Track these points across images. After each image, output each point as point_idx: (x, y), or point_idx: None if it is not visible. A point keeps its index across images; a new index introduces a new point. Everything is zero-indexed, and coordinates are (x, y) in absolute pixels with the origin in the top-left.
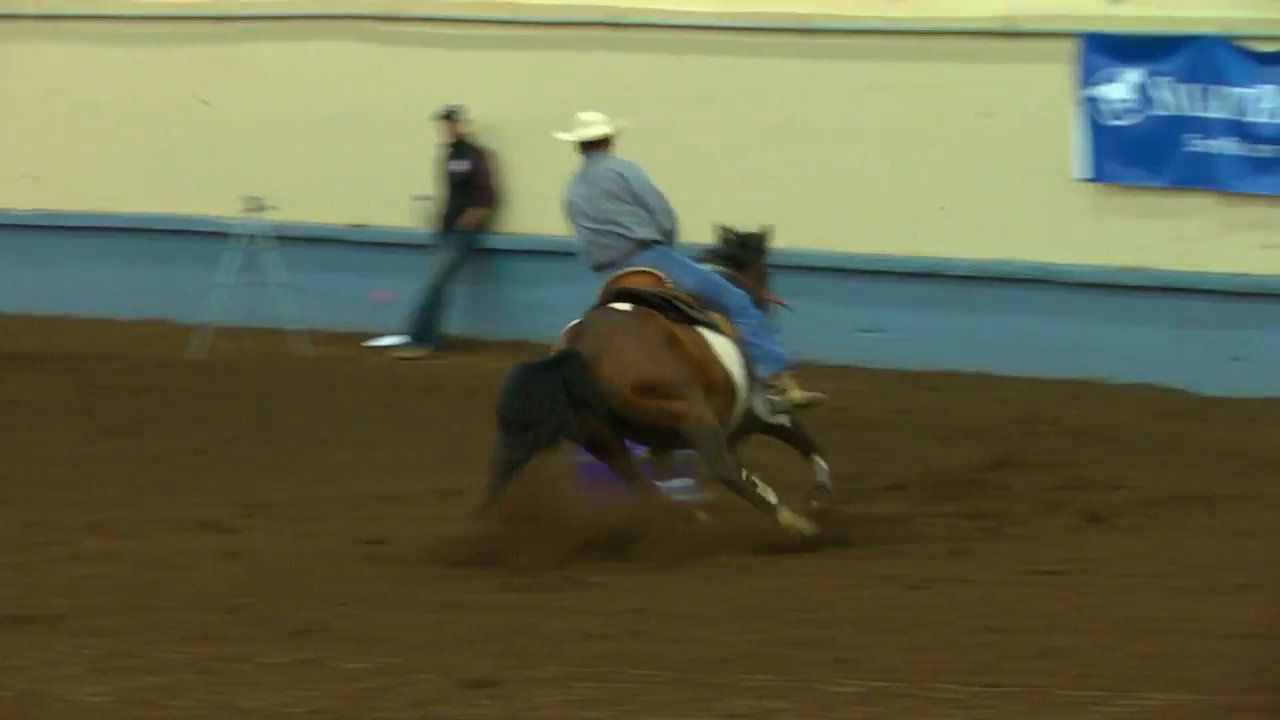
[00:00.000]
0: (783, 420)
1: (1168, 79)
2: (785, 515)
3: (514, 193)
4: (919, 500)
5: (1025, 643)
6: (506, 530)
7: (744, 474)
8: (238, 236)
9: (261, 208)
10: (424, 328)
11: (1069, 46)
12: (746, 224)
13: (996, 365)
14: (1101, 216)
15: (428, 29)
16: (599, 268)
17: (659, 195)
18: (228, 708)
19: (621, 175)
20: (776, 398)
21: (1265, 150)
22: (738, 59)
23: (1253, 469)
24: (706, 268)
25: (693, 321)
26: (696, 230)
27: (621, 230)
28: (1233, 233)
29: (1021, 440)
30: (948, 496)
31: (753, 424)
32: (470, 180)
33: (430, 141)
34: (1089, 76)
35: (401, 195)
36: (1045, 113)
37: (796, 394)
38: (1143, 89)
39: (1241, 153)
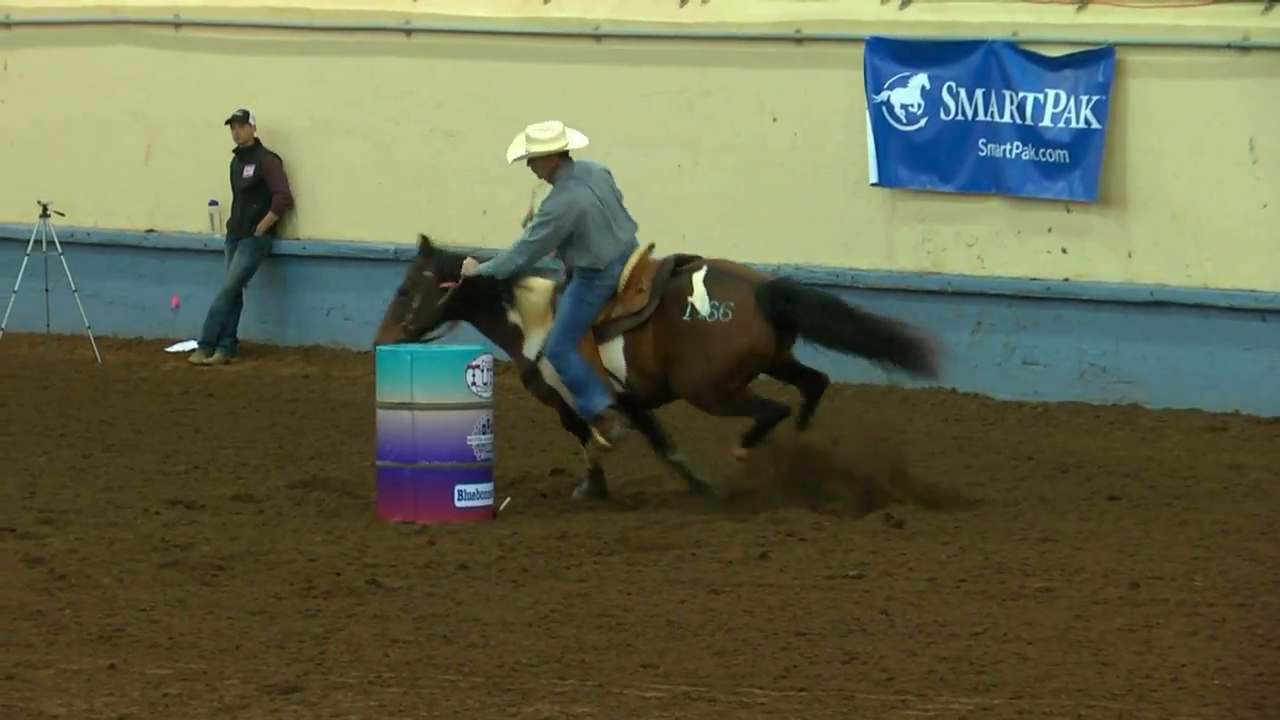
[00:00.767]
0: None
1: (956, 84)
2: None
3: (302, 198)
4: (718, 505)
5: (829, 647)
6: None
7: None
8: (29, 243)
9: (47, 214)
10: (218, 333)
11: (857, 52)
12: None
13: None
14: (893, 221)
15: (213, 34)
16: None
17: None
18: (33, 714)
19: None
20: None
21: (1054, 155)
22: (525, 64)
23: (1049, 473)
24: None
25: None
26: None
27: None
28: (1023, 237)
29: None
30: (746, 501)
31: None
32: (260, 184)
33: (221, 147)
34: (877, 82)
35: (192, 200)
36: (835, 118)
37: None
38: (931, 94)
39: (1030, 157)
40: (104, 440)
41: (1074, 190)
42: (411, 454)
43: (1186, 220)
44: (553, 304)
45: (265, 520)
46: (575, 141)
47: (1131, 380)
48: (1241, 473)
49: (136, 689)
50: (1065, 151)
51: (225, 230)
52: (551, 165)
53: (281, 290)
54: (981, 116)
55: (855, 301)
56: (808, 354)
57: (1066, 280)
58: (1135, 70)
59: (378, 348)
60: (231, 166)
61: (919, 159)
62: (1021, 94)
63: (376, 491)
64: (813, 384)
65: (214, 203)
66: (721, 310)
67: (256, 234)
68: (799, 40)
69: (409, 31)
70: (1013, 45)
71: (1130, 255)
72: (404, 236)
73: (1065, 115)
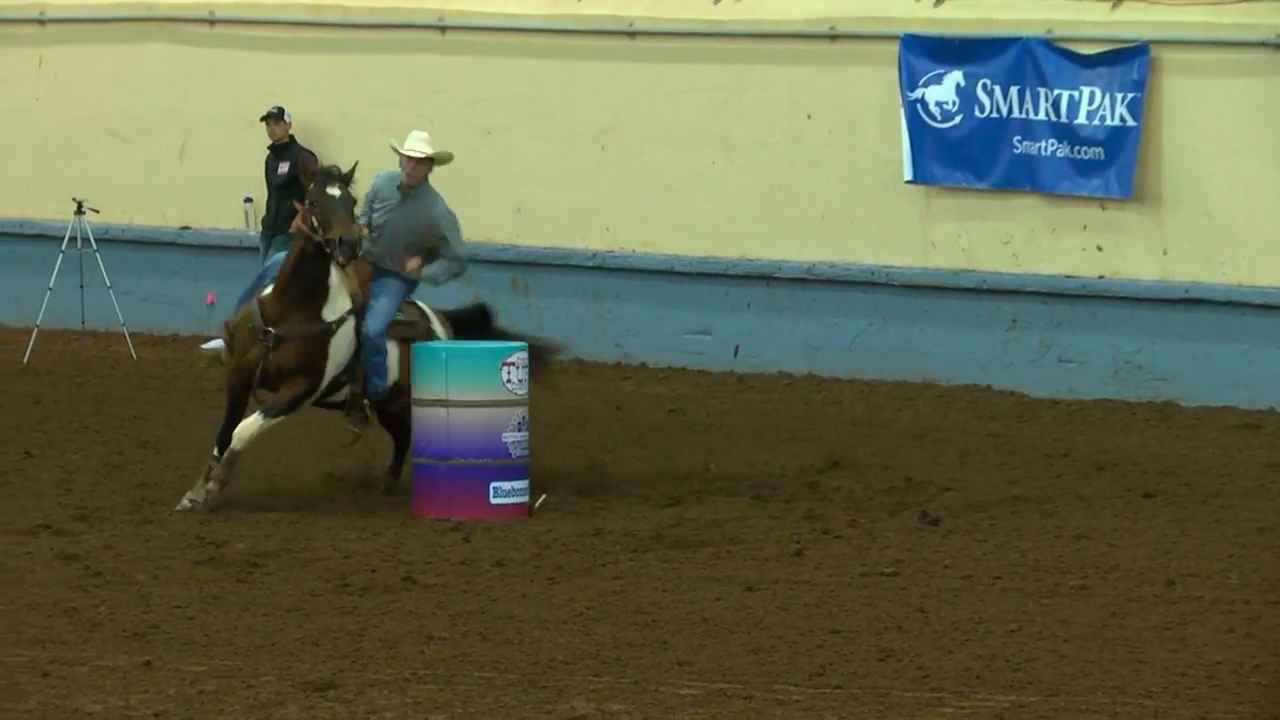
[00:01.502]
0: None
1: (990, 81)
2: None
3: None
4: (752, 502)
5: (865, 645)
6: None
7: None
8: (63, 239)
9: (82, 210)
10: None
11: (891, 49)
12: (571, 226)
13: (826, 367)
14: (928, 219)
15: (248, 31)
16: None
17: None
18: (69, 710)
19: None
20: None
21: (1089, 152)
22: (561, 61)
23: (1085, 470)
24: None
25: None
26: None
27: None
28: (1058, 235)
29: (854, 442)
30: (781, 498)
31: None
32: (294, 181)
33: (256, 144)
34: (912, 79)
35: (227, 197)
36: (870, 116)
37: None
38: (966, 91)
39: (1065, 154)
40: (139, 437)
41: (1109, 188)
42: (446, 451)
43: (1221, 218)
44: (362, 288)
45: (300, 517)
46: (410, 150)
47: (1167, 378)
48: (1276, 470)
49: (172, 686)
50: (1100, 149)
51: (260, 227)
52: (427, 171)
53: None
54: (1016, 114)
55: (889, 299)
56: None
57: (1101, 278)
58: (1170, 68)
59: (415, 346)
60: (266, 163)
61: (954, 156)
62: (1056, 91)
63: (412, 488)
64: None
65: (249, 200)
66: None
67: (290, 231)
68: (833, 38)
69: (443, 29)
70: (1047, 43)
71: (1165, 253)
72: None
73: (1100, 113)
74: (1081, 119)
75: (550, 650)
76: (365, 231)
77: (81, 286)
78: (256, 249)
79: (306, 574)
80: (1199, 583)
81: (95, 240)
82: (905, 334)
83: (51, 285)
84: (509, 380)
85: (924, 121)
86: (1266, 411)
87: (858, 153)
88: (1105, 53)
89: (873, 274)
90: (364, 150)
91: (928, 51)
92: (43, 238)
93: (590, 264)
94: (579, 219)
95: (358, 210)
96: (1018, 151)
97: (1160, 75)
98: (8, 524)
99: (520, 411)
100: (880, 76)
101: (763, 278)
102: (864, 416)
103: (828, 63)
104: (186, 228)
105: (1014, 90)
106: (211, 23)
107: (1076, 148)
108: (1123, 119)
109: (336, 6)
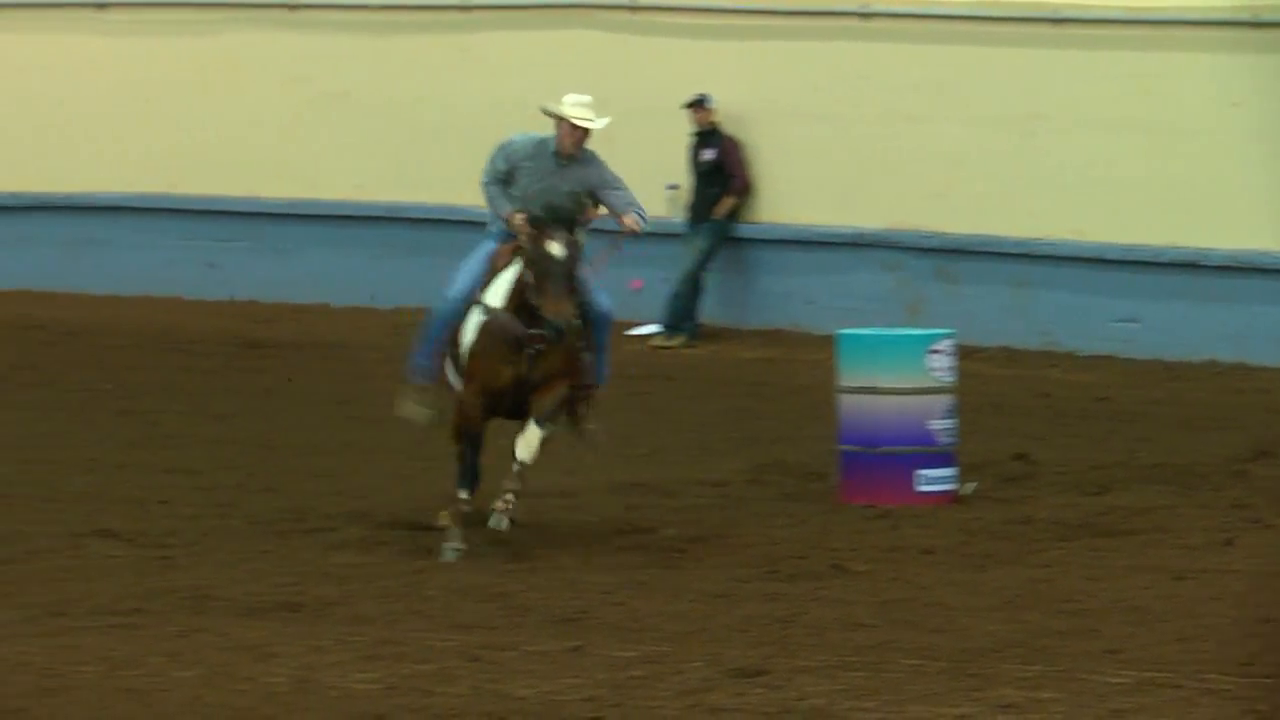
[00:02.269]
0: None
1: None
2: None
3: (761, 182)
4: (1179, 491)
5: None
6: None
7: None
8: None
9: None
10: (680, 317)
11: None
12: (995, 213)
13: (1254, 355)
14: None
15: (672, 19)
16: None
17: None
18: (499, 695)
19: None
20: None
21: None
22: (981, 48)
23: None
24: None
25: None
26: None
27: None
28: None
29: None
30: (1208, 487)
31: None
32: (719, 169)
33: (679, 131)
34: None
35: (650, 184)
36: None
37: None
38: None
39: None
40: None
41: None
42: (873, 438)
43: None
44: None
45: (727, 504)
46: (595, 124)
47: None
48: None
49: (601, 671)
50: None
51: (685, 214)
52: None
53: (742, 274)
54: None
55: None
56: None
57: None
58: None
59: (841, 334)
60: (690, 151)
61: None
62: None
63: (838, 475)
64: None
65: (673, 186)
66: None
67: (715, 218)
68: (1256, 25)
69: (866, 16)
70: None
71: None
72: (864, 220)
73: None
74: None
75: (979, 638)
76: (575, 317)
77: None
78: (680, 235)
79: (734, 560)
80: None
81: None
82: None
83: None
84: (935, 368)
85: None
86: None
87: None
88: None
89: None
90: (788, 136)
91: None
92: (465, 223)
93: (1016, 251)
94: (1003, 206)
95: (490, 171)
96: None
97: None
98: (437, 508)
99: (947, 399)
100: None
101: (1190, 265)
102: None
103: (1252, 50)
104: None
105: None
106: (633, 9)
107: None
108: None
109: None
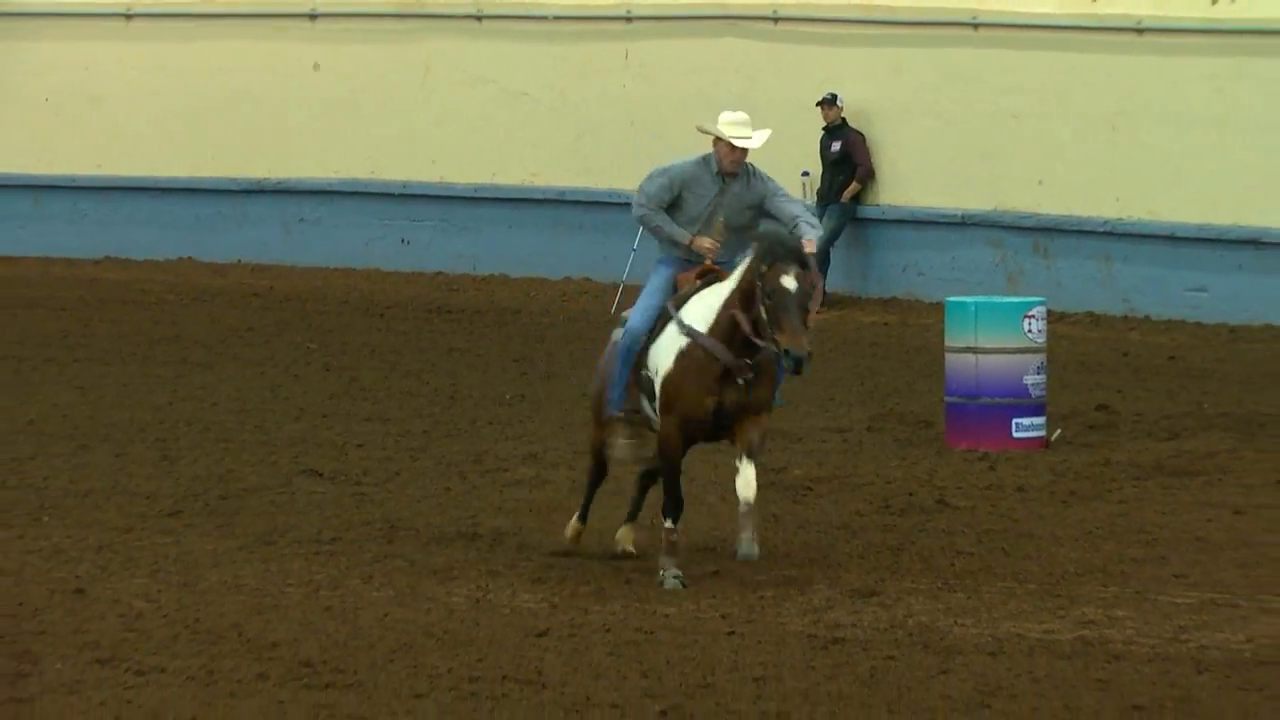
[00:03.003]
0: None
1: None
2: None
3: (882, 169)
4: (1240, 437)
5: None
6: None
7: None
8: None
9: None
10: None
11: None
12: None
13: None
14: None
15: (807, 28)
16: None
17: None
18: (648, 613)
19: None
20: None
21: None
22: (1076, 54)
23: None
24: None
25: None
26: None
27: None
28: None
29: None
30: (1266, 434)
31: None
32: (846, 158)
33: (811, 125)
34: None
35: (789, 172)
36: None
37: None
38: None
39: None
40: None
41: None
42: (975, 391)
43: None
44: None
45: (848, 448)
46: (751, 142)
47: None
48: None
49: (737, 593)
50: None
51: (816, 198)
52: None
53: (864, 249)
54: None
55: None
56: None
57: None
58: None
59: (948, 300)
60: (821, 142)
61: None
62: None
63: (945, 424)
64: None
65: (806, 173)
66: None
67: (842, 201)
68: None
69: (976, 25)
70: None
71: None
72: (970, 203)
73: None
74: None
75: (1064, 564)
76: (810, 347)
77: (634, 250)
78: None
79: (853, 497)
80: None
81: None
82: None
83: (635, 247)
84: (1030, 330)
85: None
86: None
87: None
88: None
89: None
90: (905, 130)
91: None
92: (626, 205)
93: (1102, 229)
94: (1092, 190)
95: (648, 200)
96: None
97: None
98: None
99: (1040, 358)
100: None
101: (1252, 241)
102: None
103: None
104: None
105: None
106: (775, 20)
107: None
108: None
109: (883, 6)
